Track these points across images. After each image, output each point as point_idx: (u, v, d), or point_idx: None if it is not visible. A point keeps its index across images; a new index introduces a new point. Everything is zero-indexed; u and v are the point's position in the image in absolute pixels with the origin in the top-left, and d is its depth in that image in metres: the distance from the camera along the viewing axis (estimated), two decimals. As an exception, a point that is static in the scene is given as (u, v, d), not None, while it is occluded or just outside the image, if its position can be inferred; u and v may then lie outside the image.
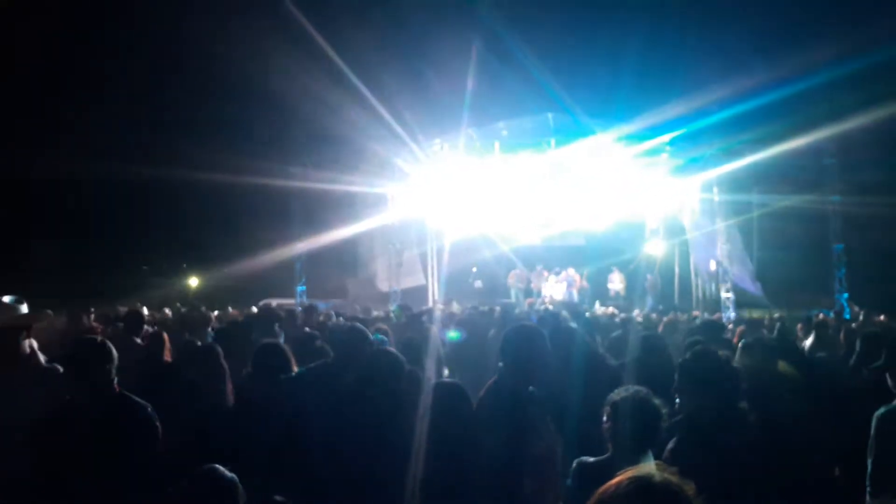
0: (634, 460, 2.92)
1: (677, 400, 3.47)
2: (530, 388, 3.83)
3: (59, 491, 3.20)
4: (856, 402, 4.38)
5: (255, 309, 13.24)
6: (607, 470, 2.89)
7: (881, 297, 13.91)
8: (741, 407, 3.38)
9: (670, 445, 3.29)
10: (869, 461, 3.69)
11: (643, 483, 1.52)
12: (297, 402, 4.08)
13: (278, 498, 3.05)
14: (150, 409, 3.46)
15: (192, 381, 4.59)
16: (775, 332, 7.47)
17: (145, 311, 10.51)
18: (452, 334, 7.90)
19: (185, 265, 24.70)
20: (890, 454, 3.61)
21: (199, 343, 5.98)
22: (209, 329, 8.13)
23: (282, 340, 5.76)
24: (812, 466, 4.09)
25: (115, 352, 3.48)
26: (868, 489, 3.67)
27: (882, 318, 11.09)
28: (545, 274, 20.49)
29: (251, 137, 16.21)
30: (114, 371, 3.45)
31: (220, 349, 4.98)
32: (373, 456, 3.61)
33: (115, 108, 17.32)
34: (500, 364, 3.89)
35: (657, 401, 3.20)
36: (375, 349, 4.41)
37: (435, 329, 7.52)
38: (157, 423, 3.45)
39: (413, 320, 9.15)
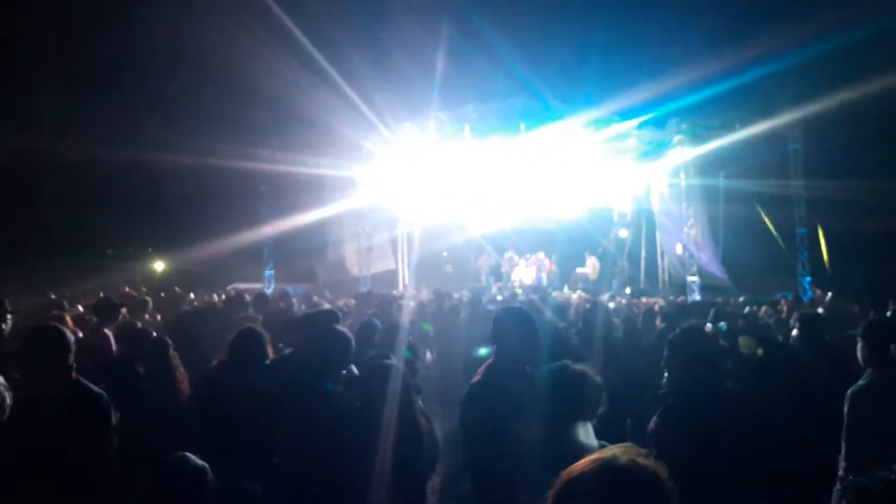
0: (568, 435, 2.90)
1: (666, 374, 3.52)
2: (526, 368, 3.81)
3: (17, 484, 3.10)
4: (807, 382, 4.47)
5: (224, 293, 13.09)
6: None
7: (844, 280, 14.19)
8: (725, 383, 3.45)
9: (655, 417, 3.33)
10: (843, 440, 3.75)
11: (607, 464, 1.52)
12: (270, 391, 4.04)
13: (250, 485, 3.02)
14: (105, 398, 3.36)
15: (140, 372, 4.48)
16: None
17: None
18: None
19: (150, 249, 24.27)
20: (861, 431, 3.67)
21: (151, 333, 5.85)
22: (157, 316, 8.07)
23: None
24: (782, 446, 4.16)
25: (71, 339, 3.38)
26: (842, 465, 3.73)
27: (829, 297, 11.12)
28: (515, 259, 20.55)
29: (217, 119, 15.88)
30: (71, 359, 3.34)
31: (168, 341, 4.84)
32: (341, 448, 3.59)
33: (77, 89, 16.86)
34: (493, 346, 3.86)
35: (584, 374, 3.14)
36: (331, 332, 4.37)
37: (405, 321, 7.40)
38: (113, 412, 3.35)
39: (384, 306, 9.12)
